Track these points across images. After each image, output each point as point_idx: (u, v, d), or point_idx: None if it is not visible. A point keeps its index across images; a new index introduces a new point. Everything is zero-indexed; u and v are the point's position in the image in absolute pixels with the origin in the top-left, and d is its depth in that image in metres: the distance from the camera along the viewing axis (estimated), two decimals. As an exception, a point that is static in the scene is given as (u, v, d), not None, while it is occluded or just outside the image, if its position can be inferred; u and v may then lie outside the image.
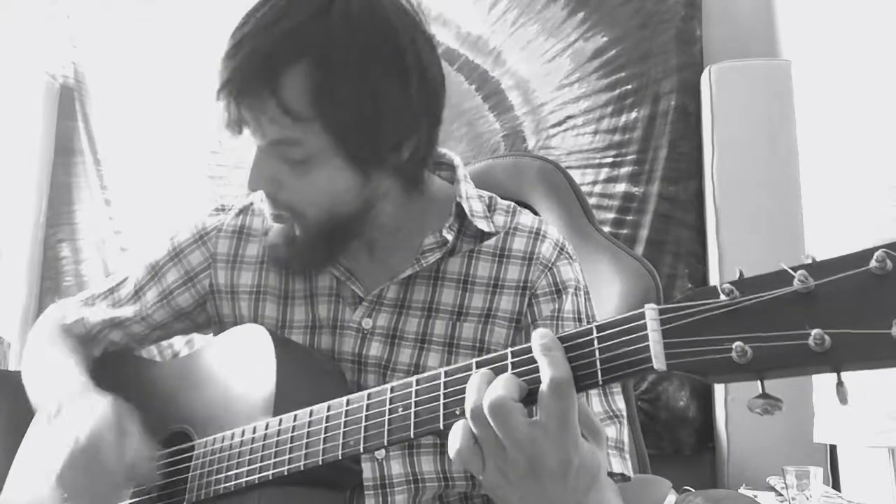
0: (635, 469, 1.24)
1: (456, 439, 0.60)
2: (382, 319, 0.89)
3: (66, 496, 0.82)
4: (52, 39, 2.90)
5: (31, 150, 2.77)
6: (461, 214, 0.92)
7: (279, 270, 0.95)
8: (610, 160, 2.39)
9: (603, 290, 1.28)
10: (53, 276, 2.78)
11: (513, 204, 0.99)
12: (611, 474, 0.84)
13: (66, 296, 1.08)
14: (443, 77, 0.88)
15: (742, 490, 1.74)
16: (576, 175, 2.15)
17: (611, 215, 2.35)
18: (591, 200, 2.29)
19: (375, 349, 0.88)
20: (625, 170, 2.38)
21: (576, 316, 0.90)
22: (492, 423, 0.58)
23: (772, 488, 1.66)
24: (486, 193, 0.99)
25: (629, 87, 2.41)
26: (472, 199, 0.94)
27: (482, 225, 0.92)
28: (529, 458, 0.58)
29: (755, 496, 1.59)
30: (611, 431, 0.87)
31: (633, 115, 2.40)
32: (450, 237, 0.90)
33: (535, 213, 1.44)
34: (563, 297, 0.90)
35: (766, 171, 2.11)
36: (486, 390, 0.59)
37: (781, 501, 1.56)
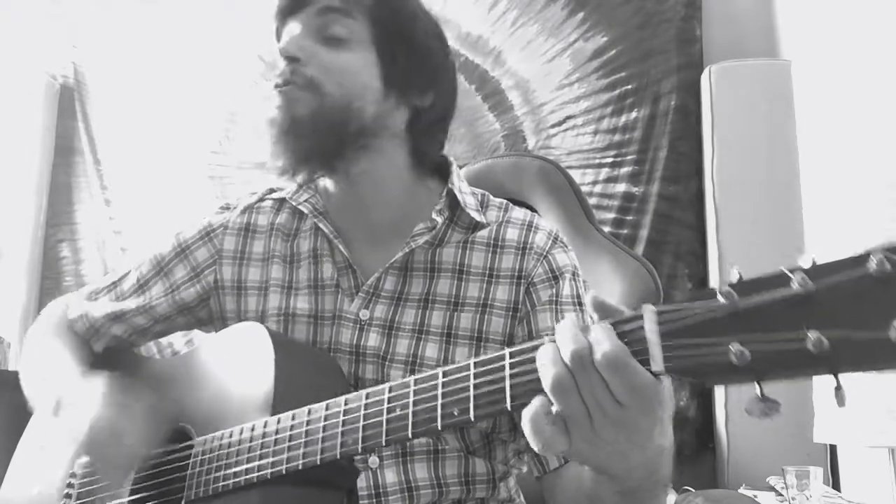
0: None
1: (535, 427, 0.56)
2: (380, 311, 0.89)
3: (89, 461, 0.85)
4: (52, 39, 2.91)
5: (31, 150, 2.77)
6: (453, 202, 0.94)
7: (283, 263, 0.95)
8: (610, 160, 2.39)
9: (603, 290, 1.28)
10: (53, 276, 2.78)
11: (505, 201, 1.00)
12: None
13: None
14: (453, 60, 0.98)
15: (742, 490, 1.74)
16: (576, 175, 2.15)
17: (611, 215, 2.35)
18: (591, 200, 2.29)
19: (373, 340, 0.88)
20: (625, 170, 2.38)
21: (574, 300, 0.90)
22: (605, 376, 0.55)
23: (772, 488, 1.66)
24: (478, 191, 1.00)
25: (629, 87, 2.41)
26: (466, 193, 0.96)
27: (474, 215, 0.93)
28: (618, 421, 0.56)
29: (755, 496, 1.59)
30: None
31: (633, 115, 2.40)
32: (439, 219, 0.91)
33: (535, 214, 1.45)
34: (561, 282, 0.90)
35: (766, 171, 2.11)
36: (591, 340, 0.56)
37: (781, 501, 1.56)
